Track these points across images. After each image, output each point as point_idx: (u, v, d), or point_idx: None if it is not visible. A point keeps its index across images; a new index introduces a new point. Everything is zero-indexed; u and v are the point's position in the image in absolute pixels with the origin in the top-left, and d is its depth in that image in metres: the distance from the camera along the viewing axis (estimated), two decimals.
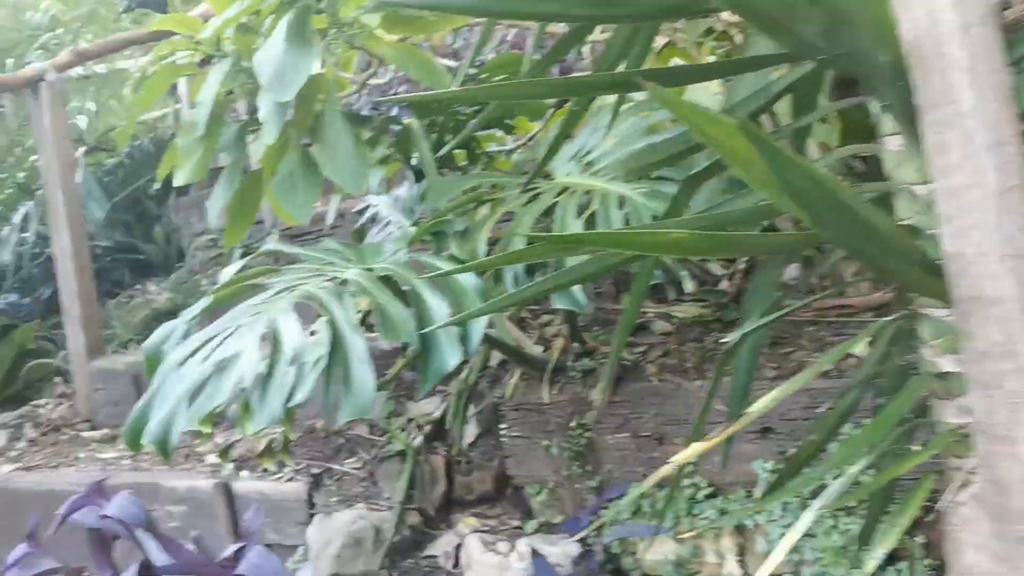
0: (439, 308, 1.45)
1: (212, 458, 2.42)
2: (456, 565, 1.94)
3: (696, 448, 0.94)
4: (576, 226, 1.55)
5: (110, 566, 1.48)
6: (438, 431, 2.18)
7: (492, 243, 1.70)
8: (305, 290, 1.50)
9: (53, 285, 4.81)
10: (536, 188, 1.76)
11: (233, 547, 1.43)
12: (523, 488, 2.12)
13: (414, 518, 2.04)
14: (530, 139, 2.32)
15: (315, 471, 2.18)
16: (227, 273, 1.79)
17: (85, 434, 3.10)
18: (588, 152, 1.77)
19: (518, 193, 1.73)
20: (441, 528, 2.07)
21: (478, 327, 1.45)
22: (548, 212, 1.67)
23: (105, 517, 1.36)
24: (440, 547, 1.98)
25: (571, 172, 1.76)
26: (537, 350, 2.16)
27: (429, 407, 2.26)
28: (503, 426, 2.14)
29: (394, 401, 2.29)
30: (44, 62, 3.26)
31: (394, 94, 1.97)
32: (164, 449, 1.28)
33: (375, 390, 1.31)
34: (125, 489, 2.32)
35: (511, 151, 2.57)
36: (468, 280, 1.52)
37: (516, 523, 2.04)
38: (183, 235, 5.57)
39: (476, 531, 2.00)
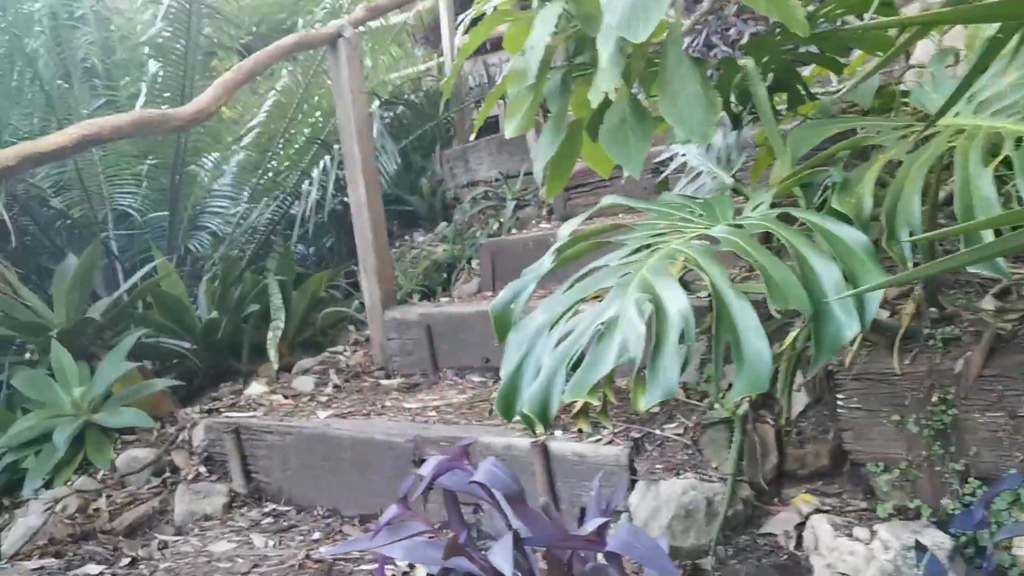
0: (828, 272, 1.28)
1: None
2: (799, 546, 1.79)
3: None
4: (985, 175, 1.33)
5: (464, 526, 1.45)
6: (763, 399, 2.02)
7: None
8: (672, 249, 1.38)
9: (334, 236, 5.08)
10: (913, 131, 1.54)
11: (596, 520, 1.35)
12: (863, 465, 1.92)
13: (745, 491, 1.90)
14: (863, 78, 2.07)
15: (635, 435, 2.09)
16: (566, 229, 1.70)
17: (383, 382, 3.21)
18: (980, 91, 1.52)
19: (896, 139, 1.52)
20: (774, 504, 1.92)
21: (875, 295, 1.27)
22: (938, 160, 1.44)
23: (474, 483, 1.31)
24: (779, 525, 1.83)
25: (961, 113, 1.52)
26: (883, 314, 1.94)
27: None
28: (840, 396, 1.94)
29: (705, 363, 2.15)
30: (341, 19, 3.34)
31: (736, 32, 1.79)
32: (545, 418, 1.21)
33: (771, 362, 1.17)
34: (442, 442, 2.35)
35: (835, 92, 2.34)
36: (854, 238, 1.34)
37: (861, 504, 1.85)
38: (448, 187, 5.70)
39: (818, 511, 1.83)
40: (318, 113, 4.83)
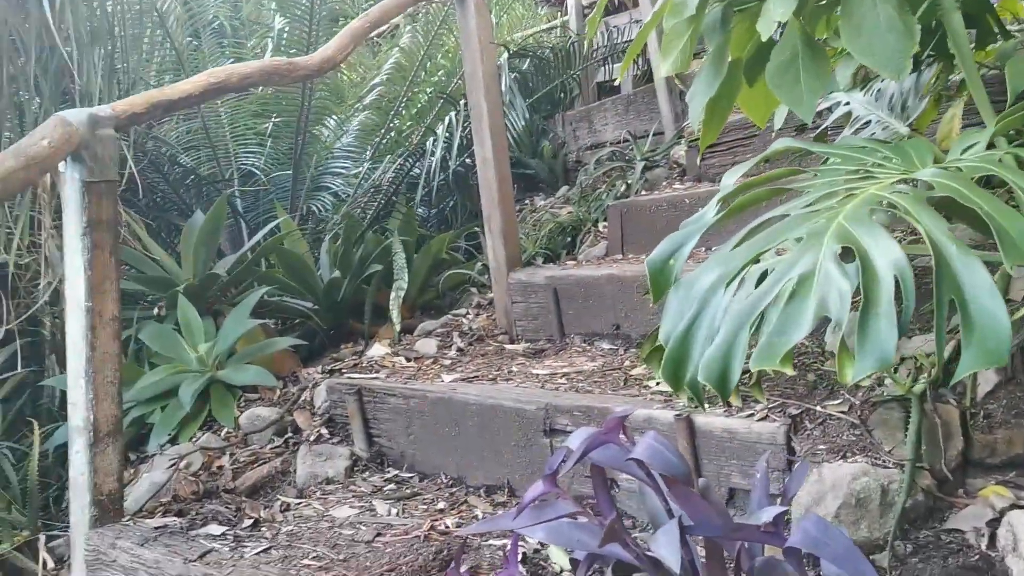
0: None
1: (657, 384, 2.21)
2: (991, 545, 1.56)
3: None
4: None
5: (615, 508, 1.29)
6: (941, 376, 1.78)
7: None
8: (873, 194, 1.17)
9: (455, 197, 4.97)
10: None
11: (772, 510, 1.16)
12: None
13: (925, 480, 1.67)
14: None
15: (792, 411, 1.88)
16: (730, 178, 1.50)
17: (508, 347, 3.07)
18: None
19: None
20: (958, 495, 1.68)
21: None
22: None
23: (631, 460, 1.15)
24: (967, 520, 1.60)
25: None
26: None
27: (929, 345, 1.86)
28: None
29: None
30: None
31: None
32: (724, 387, 1.03)
33: (1010, 330, 0.95)
34: (575, 411, 2.19)
35: None
36: None
37: None
38: (570, 150, 5.51)
39: (1015, 506, 1.59)
40: (440, 72, 4.71)
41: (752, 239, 1.18)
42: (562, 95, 5.54)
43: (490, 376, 2.61)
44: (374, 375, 2.76)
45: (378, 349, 3.07)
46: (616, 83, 5.50)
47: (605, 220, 3.85)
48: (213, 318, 3.21)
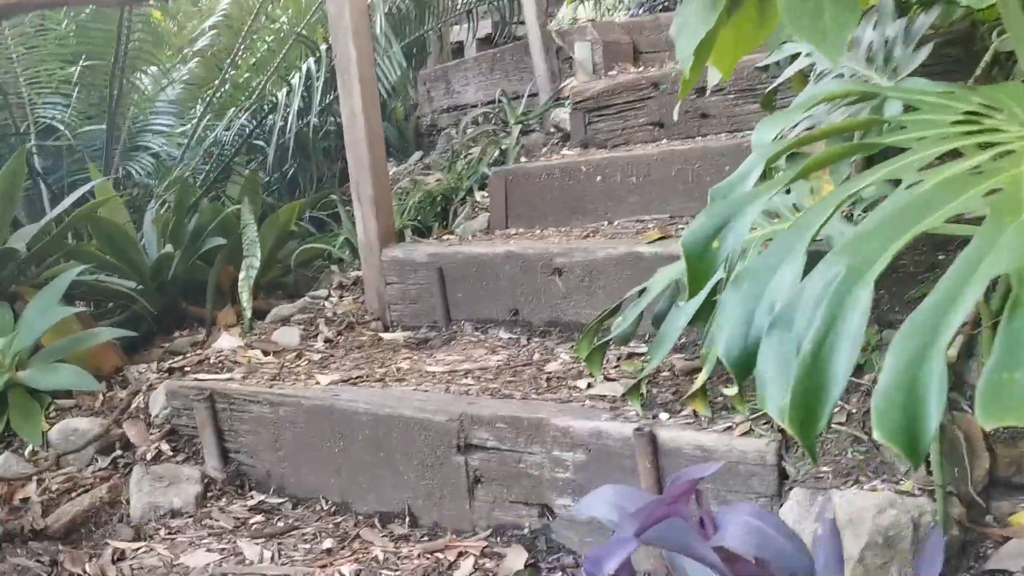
0: None
1: (605, 388, 1.83)
2: None
3: None
4: None
5: None
6: (954, 378, 1.50)
7: None
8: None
9: (297, 160, 4.39)
10: None
11: None
12: None
13: (956, 508, 1.39)
14: None
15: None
16: (768, 131, 1.13)
17: (385, 336, 2.62)
18: None
19: None
20: (985, 524, 1.41)
21: None
22: None
23: (721, 550, 0.75)
24: (1015, 558, 1.32)
25: None
26: None
27: None
28: None
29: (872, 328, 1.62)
30: None
31: None
32: (915, 449, 0.65)
33: None
34: (498, 423, 1.78)
35: None
36: None
37: None
38: (423, 112, 5.06)
39: None
40: (289, 13, 4.12)
41: (890, 214, 0.81)
42: (415, 51, 5.05)
43: (376, 376, 2.15)
44: (228, 375, 2.24)
45: (227, 340, 2.53)
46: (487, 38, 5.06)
47: (481, 189, 3.44)
48: (10, 304, 2.56)
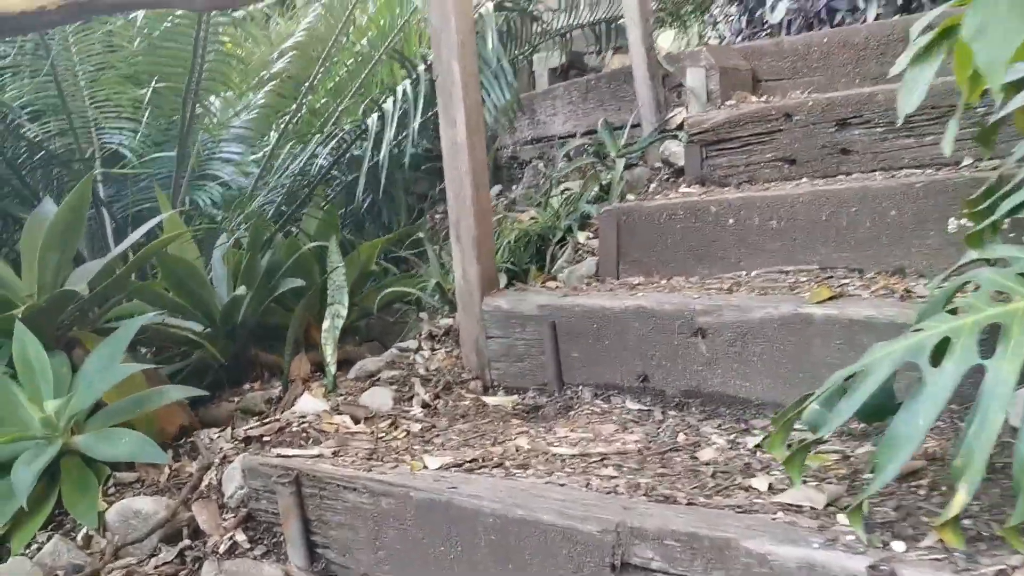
0: None
1: (796, 493, 1.44)
2: None
3: None
4: None
5: None
6: None
7: None
8: None
9: (372, 193, 4.08)
10: None
11: None
12: None
13: None
14: None
15: None
16: None
17: (489, 400, 2.26)
18: None
19: None
20: None
21: None
22: None
23: None
24: None
25: None
26: None
27: None
28: None
29: None
30: None
31: None
32: None
33: None
34: (667, 539, 1.41)
35: None
36: None
37: None
38: (504, 144, 4.74)
39: None
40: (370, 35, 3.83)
41: None
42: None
43: (492, 459, 1.79)
44: (316, 451, 1.89)
45: (310, 403, 2.19)
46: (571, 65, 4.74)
47: (582, 229, 3.09)
48: (67, 353, 2.25)
